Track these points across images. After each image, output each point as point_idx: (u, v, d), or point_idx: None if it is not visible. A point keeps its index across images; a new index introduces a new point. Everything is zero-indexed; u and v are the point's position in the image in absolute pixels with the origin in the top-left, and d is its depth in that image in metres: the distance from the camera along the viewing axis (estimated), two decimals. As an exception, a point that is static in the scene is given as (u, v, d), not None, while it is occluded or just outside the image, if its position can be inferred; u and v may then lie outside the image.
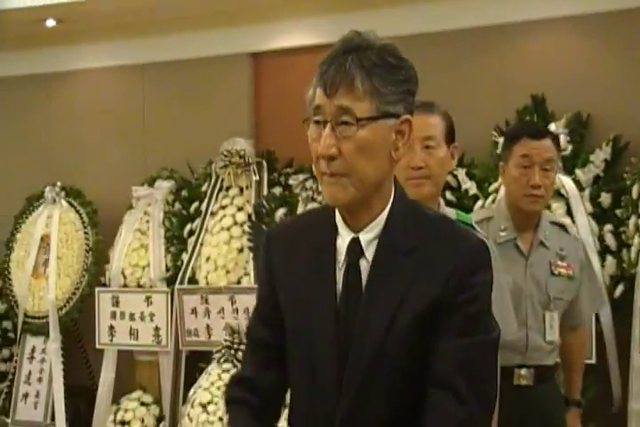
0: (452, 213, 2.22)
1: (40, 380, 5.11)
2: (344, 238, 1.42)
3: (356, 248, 1.41)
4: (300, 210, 4.48)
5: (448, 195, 4.28)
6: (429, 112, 2.20)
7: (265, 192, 4.69)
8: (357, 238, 1.41)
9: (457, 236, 1.40)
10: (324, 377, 1.41)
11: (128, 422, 4.68)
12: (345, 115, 1.34)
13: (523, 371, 2.58)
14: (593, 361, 3.65)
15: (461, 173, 4.26)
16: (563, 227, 2.71)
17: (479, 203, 4.14)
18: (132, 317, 4.88)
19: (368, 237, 1.40)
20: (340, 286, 1.41)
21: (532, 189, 2.58)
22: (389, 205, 1.40)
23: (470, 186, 4.24)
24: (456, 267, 1.34)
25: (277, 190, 4.68)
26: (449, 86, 4.52)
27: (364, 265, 1.40)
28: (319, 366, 1.41)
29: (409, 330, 1.34)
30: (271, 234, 1.58)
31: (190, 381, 4.61)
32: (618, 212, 3.89)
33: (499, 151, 4.20)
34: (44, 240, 5.33)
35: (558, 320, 2.59)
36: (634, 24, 4.15)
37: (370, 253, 1.40)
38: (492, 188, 4.16)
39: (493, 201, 4.10)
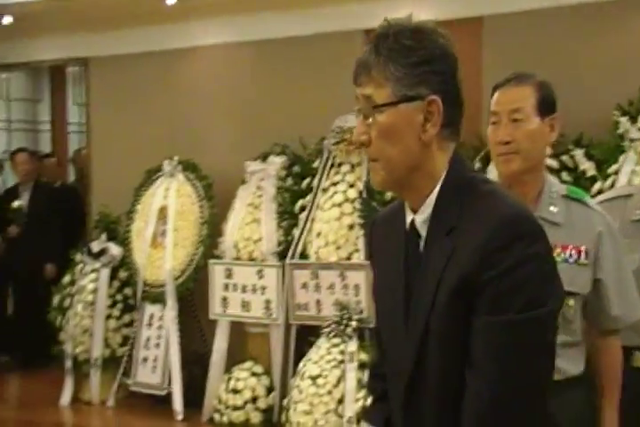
0: (562, 189, 2.14)
1: (158, 345, 5.34)
2: (408, 221, 1.46)
3: (413, 230, 1.44)
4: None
5: (564, 176, 4.19)
6: (518, 84, 2.10)
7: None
8: (413, 220, 1.44)
9: (492, 210, 1.34)
10: (395, 353, 1.48)
11: (240, 391, 4.84)
12: (368, 103, 1.38)
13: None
14: None
15: (579, 153, 4.15)
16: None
17: (597, 185, 4.04)
18: (244, 289, 5.02)
19: (421, 218, 1.42)
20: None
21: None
22: (439, 185, 1.39)
23: (588, 167, 4.13)
24: (483, 242, 1.30)
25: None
26: (568, 63, 4.41)
27: (422, 246, 1.44)
28: (392, 343, 1.49)
29: (447, 308, 1.34)
30: (373, 221, 1.65)
31: (300, 354, 4.73)
32: None
33: (620, 131, 4.08)
34: (162, 212, 5.53)
35: None
36: None
37: (424, 234, 1.43)
38: (611, 169, 4.04)
39: (613, 184, 3.99)
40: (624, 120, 4.07)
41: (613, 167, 4.04)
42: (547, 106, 2.09)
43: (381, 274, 1.55)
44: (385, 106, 1.36)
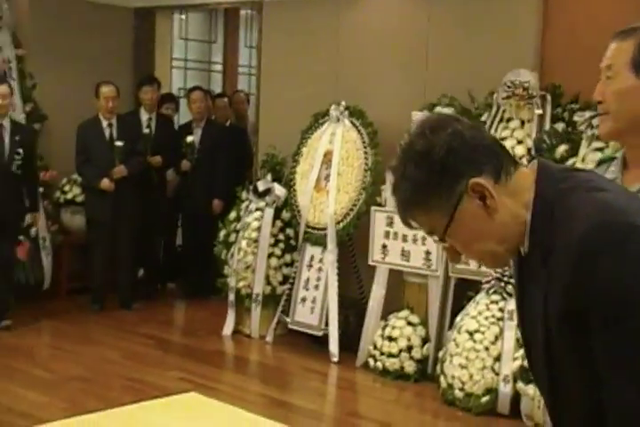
0: None
1: (317, 287, 5.53)
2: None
3: (519, 258, 1.48)
4: (582, 149, 4.35)
5: None
6: (620, 39, 1.89)
7: (547, 127, 4.58)
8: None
9: (576, 227, 1.30)
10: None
11: (395, 339, 4.97)
12: (433, 233, 1.43)
13: None
14: None
15: None
16: None
17: None
18: (404, 238, 5.09)
19: (523, 249, 1.44)
20: None
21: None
22: (529, 222, 1.39)
23: None
24: (574, 265, 1.29)
25: (560, 126, 4.55)
26: None
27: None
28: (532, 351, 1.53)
29: (561, 331, 1.35)
30: None
31: (457, 307, 4.78)
32: None
33: None
34: (327, 156, 5.63)
35: None
36: None
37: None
38: None
39: None
40: None
41: None
42: None
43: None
44: (447, 228, 1.40)
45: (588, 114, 4.36)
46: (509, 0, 5.00)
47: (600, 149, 4.31)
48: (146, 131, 6.76)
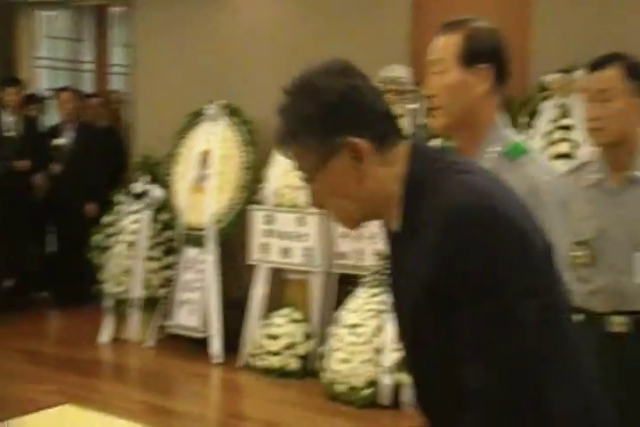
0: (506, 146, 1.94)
1: (197, 289, 5.43)
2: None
3: (389, 232, 1.51)
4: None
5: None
6: (446, 33, 1.96)
7: (421, 121, 4.66)
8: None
9: (441, 207, 1.32)
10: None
11: (277, 337, 4.93)
12: (302, 172, 1.42)
13: (617, 317, 2.42)
14: None
15: None
16: None
17: None
18: (284, 236, 5.07)
19: (394, 223, 1.45)
20: None
21: (588, 123, 2.41)
22: (400, 192, 1.41)
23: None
24: (436, 240, 1.31)
25: (434, 120, 4.64)
26: (620, 17, 4.30)
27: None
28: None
29: (422, 303, 1.36)
30: None
31: (339, 302, 4.79)
32: None
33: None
34: (205, 156, 5.55)
35: None
36: None
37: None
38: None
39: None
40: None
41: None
42: (471, 55, 1.91)
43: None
44: (316, 172, 1.39)
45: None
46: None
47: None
48: (10, 133, 6.49)
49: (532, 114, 4.33)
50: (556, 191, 1.93)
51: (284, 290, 5.17)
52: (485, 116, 1.94)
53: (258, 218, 5.19)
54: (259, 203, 5.25)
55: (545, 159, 2.04)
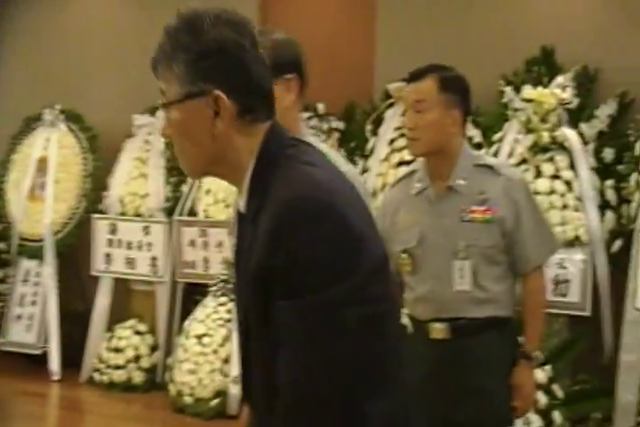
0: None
1: (34, 303, 5.17)
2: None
3: (238, 212, 1.48)
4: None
5: (452, 141, 4.29)
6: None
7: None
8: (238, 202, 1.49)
9: (282, 193, 1.31)
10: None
11: (122, 350, 4.77)
12: (164, 98, 1.38)
13: (437, 324, 2.45)
14: (587, 313, 3.76)
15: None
16: (491, 168, 2.45)
17: (482, 151, 4.16)
18: (129, 245, 4.92)
19: (242, 200, 1.43)
20: None
21: (407, 133, 2.47)
22: (250, 170, 1.39)
23: (475, 134, 4.25)
24: (270, 228, 1.29)
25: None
26: (456, 32, 4.49)
27: None
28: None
29: (254, 296, 1.34)
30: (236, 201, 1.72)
31: (186, 312, 4.69)
32: (620, 167, 3.93)
33: (504, 100, 4.22)
34: (42, 163, 5.31)
35: (471, 269, 2.42)
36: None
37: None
38: (496, 137, 4.17)
39: (497, 151, 4.13)
40: (508, 90, 4.20)
41: (498, 135, 4.18)
42: (279, 67, 1.92)
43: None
44: (172, 104, 1.36)
45: (305, 115, 4.51)
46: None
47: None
48: None
49: (378, 122, 4.43)
50: None
51: (129, 301, 5.01)
52: (292, 123, 1.95)
53: (101, 227, 5.01)
54: (101, 212, 5.07)
55: (342, 161, 2.06)
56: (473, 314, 2.44)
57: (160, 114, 4.98)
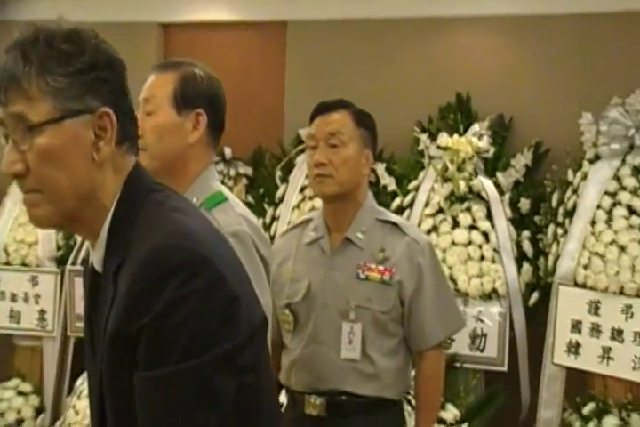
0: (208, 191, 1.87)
1: None
2: (91, 260, 1.27)
3: (92, 269, 1.24)
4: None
5: (366, 189, 4.15)
6: (158, 72, 1.91)
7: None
8: (92, 259, 1.25)
9: (145, 243, 1.12)
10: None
11: (2, 414, 4.33)
12: (20, 122, 1.14)
13: (313, 397, 2.14)
14: (504, 368, 3.64)
15: (381, 167, 4.13)
16: (396, 226, 2.25)
17: (397, 200, 4.04)
18: (13, 297, 4.51)
19: (97, 256, 1.21)
20: None
21: (315, 169, 2.20)
22: (110, 214, 1.19)
23: (389, 182, 4.12)
24: (129, 285, 1.10)
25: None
26: (370, 78, 4.40)
27: None
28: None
29: (111, 365, 1.15)
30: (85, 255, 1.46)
31: (77, 370, 4.31)
32: (536, 218, 3.88)
33: (420, 148, 4.12)
34: None
35: (361, 333, 2.13)
36: (561, 29, 4.13)
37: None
38: (411, 185, 4.05)
39: (413, 200, 4.00)
40: (424, 137, 4.11)
41: (413, 183, 4.06)
42: (187, 99, 1.80)
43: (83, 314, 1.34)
44: (45, 124, 1.13)
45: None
46: (132, 34, 4.76)
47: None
48: None
49: (288, 168, 4.24)
50: (246, 242, 1.70)
51: (11, 359, 4.57)
52: (194, 165, 1.79)
53: (-19, 278, 4.58)
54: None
55: (242, 208, 1.84)
56: (355, 390, 2.14)
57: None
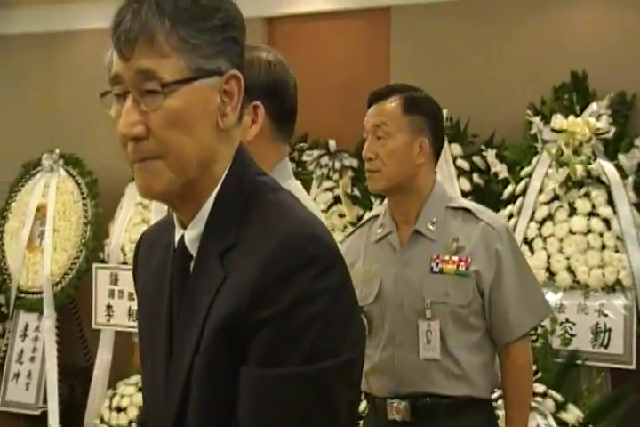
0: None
1: (33, 359, 4.85)
2: (177, 238, 1.13)
3: (182, 250, 1.11)
4: (313, 189, 4.17)
5: (476, 178, 3.97)
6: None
7: (277, 168, 4.37)
8: (182, 237, 1.11)
9: (273, 228, 1.02)
10: (155, 405, 1.16)
11: (125, 409, 4.42)
12: (149, 80, 1.03)
13: (395, 402, 2.03)
14: (632, 366, 3.38)
15: (491, 154, 3.93)
16: (468, 212, 2.11)
17: (509, 188, 3.83)
18: (131, 296, 4.60)
19: (192, 234, 1.09)
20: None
21: (366, 164, 2.11)
22: (215, 191, 1.08)
23: (500, 169, 3.91)
24: (257, 270, 0.99)
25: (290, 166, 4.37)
26: (479, 61, 4.19)
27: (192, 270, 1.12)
28: (152, 392, 1.17)
29: (211, 355, 1.02)
30: (141, 236, 1.32)
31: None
32: (663, 202, 3.58)
33: (533, 132, 3.89)
34: (40, 211, 5.03)
35: (439, 331, 2.01)
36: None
37: (195, 254, 1.11)
38: (524, 172, 3.83)
39: (526, 187, 3.78)
40: (537, 120, 3.87)
41: (526, 170, 3.84)
42: (246, 90, 1.72)
43: (145, 305, 1.21)
44: (178, 83, 1.02)
45: (316, 153, 4.20)
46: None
47: (330, 189, 4.16)
48: None
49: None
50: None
51: (132, 356, 4.67)
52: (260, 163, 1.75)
53: (102, 278, 4.70)
54: (102, 261, 4.76)
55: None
56: (440, 390, 2.02)
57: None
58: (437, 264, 2.04)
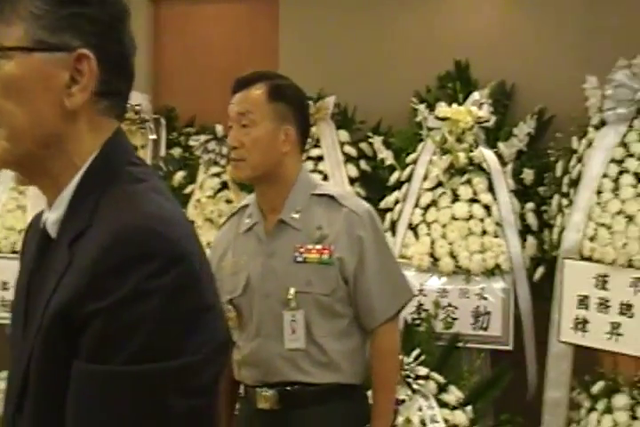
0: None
1: None
2: (44, 219, 1.11)
3: (44, 231, 1.09)
4: (200, 175, 4.10)
5: (363, 164, 4.00)
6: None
7: (163, 153, 4.28)
8: (45, 219, 1.10)
9: (119, 218, 0.98)
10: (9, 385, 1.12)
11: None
12: None
13: (264, 391, 2.04)
14: (509, 347, 3.48)
15: (378, 140, 3.96)
16: (332, 198, 2.09)
17: (395, 174, 3.87)
18: (4, 286, 4.41)
19: (53, 217, 1.07)
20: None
21: (231, 153, 2.09)
22: (79, 175, 1.05)
23: (387, 155, 3.94)
24: (94, 259, 0.95)
25: (176, 151, 4.29)
26: (367, 49, 4.22)
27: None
28: (13, 362, 1.12)
29: (46, 343, 0.99)
30: (30, 222, 1.27)
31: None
32: (541, 189, 3.69)
33: (418, 119, 3.94)
34: None
35: (304, 320, 2.01)
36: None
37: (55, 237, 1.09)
38: (409, 158, 3.88)
39: (411, 173, 3.83)
40: (422, 108, 3.92)
41: (411, 156, 3.89)
42: None
43: (17, 284, 1.18)
44: (13, 50, 1.00)
45: (203, 138, 4.13)
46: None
47: (217, 175, 4.10)
48: None
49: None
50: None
51: (5, 349, 4.47)
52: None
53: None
54: None
55: None
56: (307, 379, 2.02)
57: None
58: (301, 253, 2.03)
